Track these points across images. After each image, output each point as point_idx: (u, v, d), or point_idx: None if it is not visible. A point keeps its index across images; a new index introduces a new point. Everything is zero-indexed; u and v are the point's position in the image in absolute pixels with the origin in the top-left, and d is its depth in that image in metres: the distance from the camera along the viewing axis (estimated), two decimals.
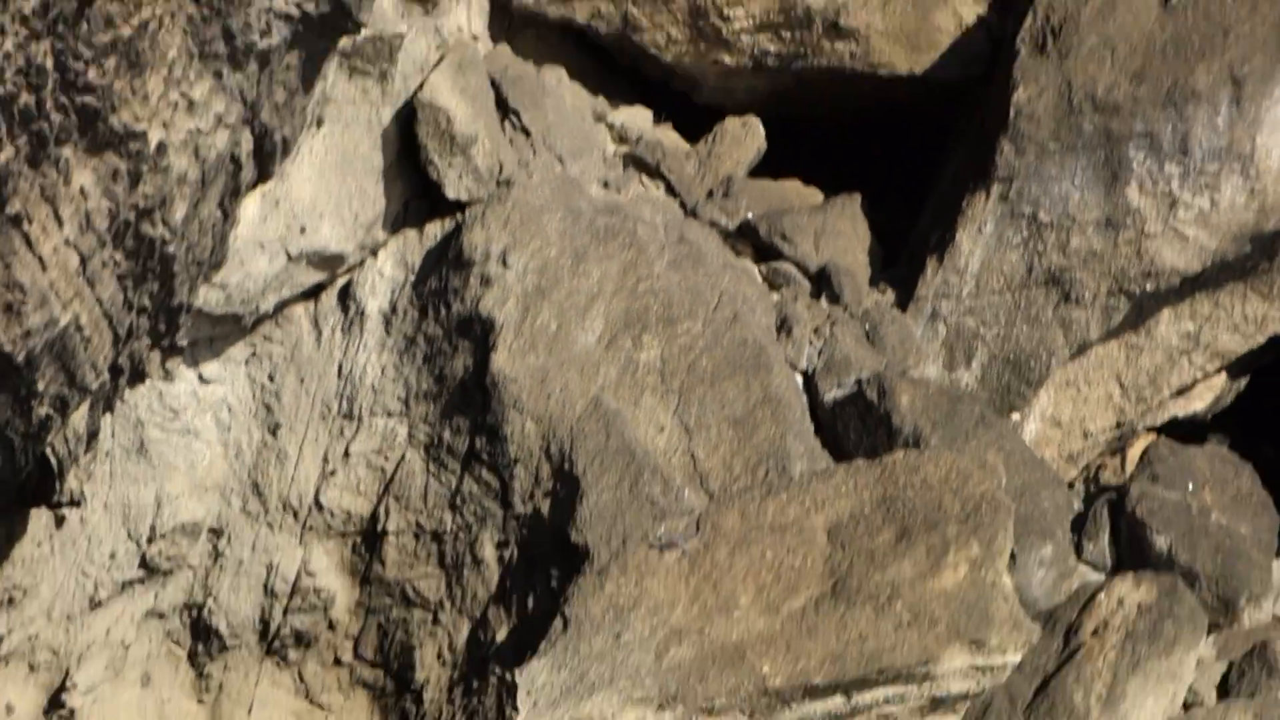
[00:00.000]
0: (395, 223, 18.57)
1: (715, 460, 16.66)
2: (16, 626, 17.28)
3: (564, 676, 13.34)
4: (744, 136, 21.61)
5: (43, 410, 14.59)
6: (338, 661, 18.14)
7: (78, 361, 14.49)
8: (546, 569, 16.75)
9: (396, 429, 18.08)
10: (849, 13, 21.37)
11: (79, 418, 15.67)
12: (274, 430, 18.26)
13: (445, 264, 18.12)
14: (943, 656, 12.75)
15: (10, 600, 17.21)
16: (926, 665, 12.75)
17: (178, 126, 14.34)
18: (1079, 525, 18.88)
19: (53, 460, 15.59)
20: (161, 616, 18.04)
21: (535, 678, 13.49)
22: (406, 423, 18.06)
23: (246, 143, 15.49)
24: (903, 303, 20.06)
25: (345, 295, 18.53)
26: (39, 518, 17.01)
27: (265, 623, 18.08)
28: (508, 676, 13.92)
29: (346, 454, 18.15)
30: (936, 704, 13.07)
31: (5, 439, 14.55)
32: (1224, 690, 17.71)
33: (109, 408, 16.88)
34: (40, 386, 14.27)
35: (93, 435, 16.41)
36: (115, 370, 15.59)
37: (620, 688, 13.09)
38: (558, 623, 13.97)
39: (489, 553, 17.61)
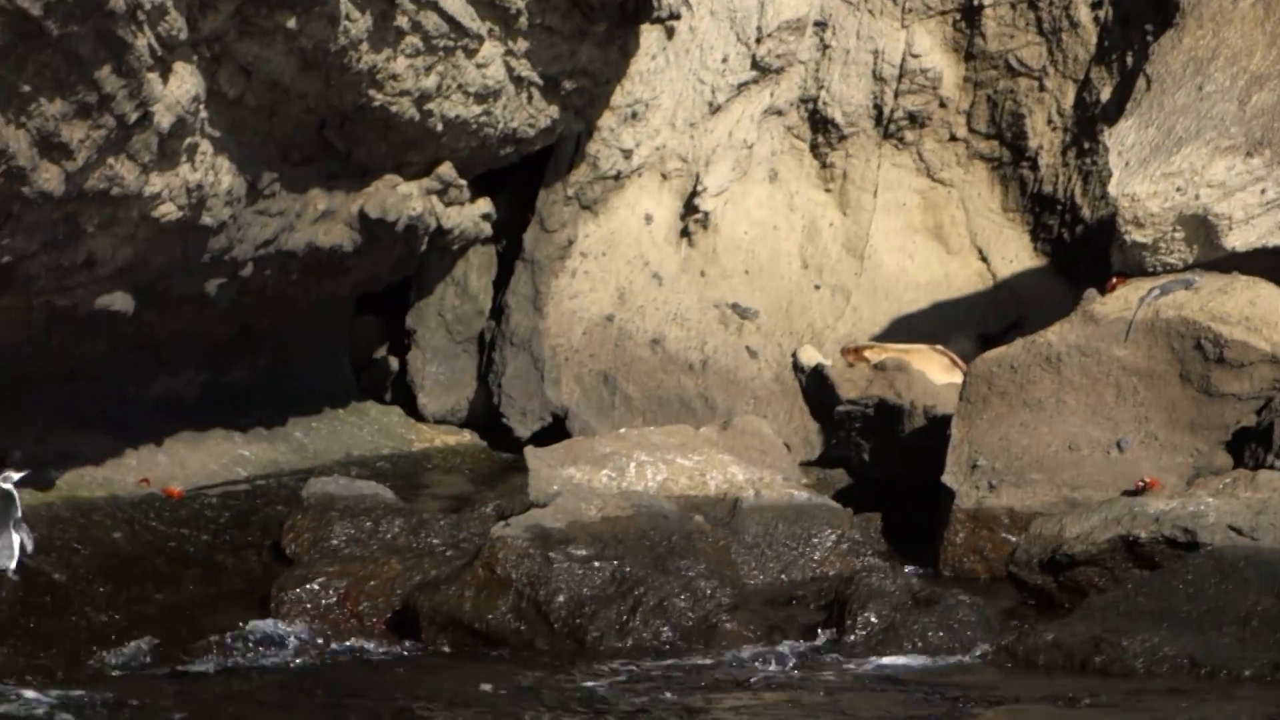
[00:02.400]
0: None
1: None
2: (644, 139, 18.08)
3: (1151, 134, 13.08)
4: None
5: None
6: (953, 137, 18.28)
7: None
8: (1141, 25, 16.34)
9: None
10: None
11: None
12: None
13: None
14: None
15: (634, 115, 17.97)
16: None
17: None
18: None
19: None
20: (779, 113, 18.49)
21: (1124, 138, 13.26)
22: None
23: None
24: None
25: None
26: (649, 33, 17.55)
27: (878, 108, 18.31)
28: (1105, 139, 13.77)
29: None
30: None
31: None
32: None
33: None
34: None
35: None
36: None
37: (1207, 139, 12.75)
38: (1140, 82, 13.62)
39: (1084, 14, 17.33)
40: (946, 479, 12.78)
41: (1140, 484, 12.12)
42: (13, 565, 11.16)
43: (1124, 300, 12.90)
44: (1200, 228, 12.94)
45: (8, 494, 11.30)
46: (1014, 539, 12.10)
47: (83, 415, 14.38)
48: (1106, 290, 13.18)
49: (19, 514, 11.31)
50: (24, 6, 9.07)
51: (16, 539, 11.21)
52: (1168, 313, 12.59)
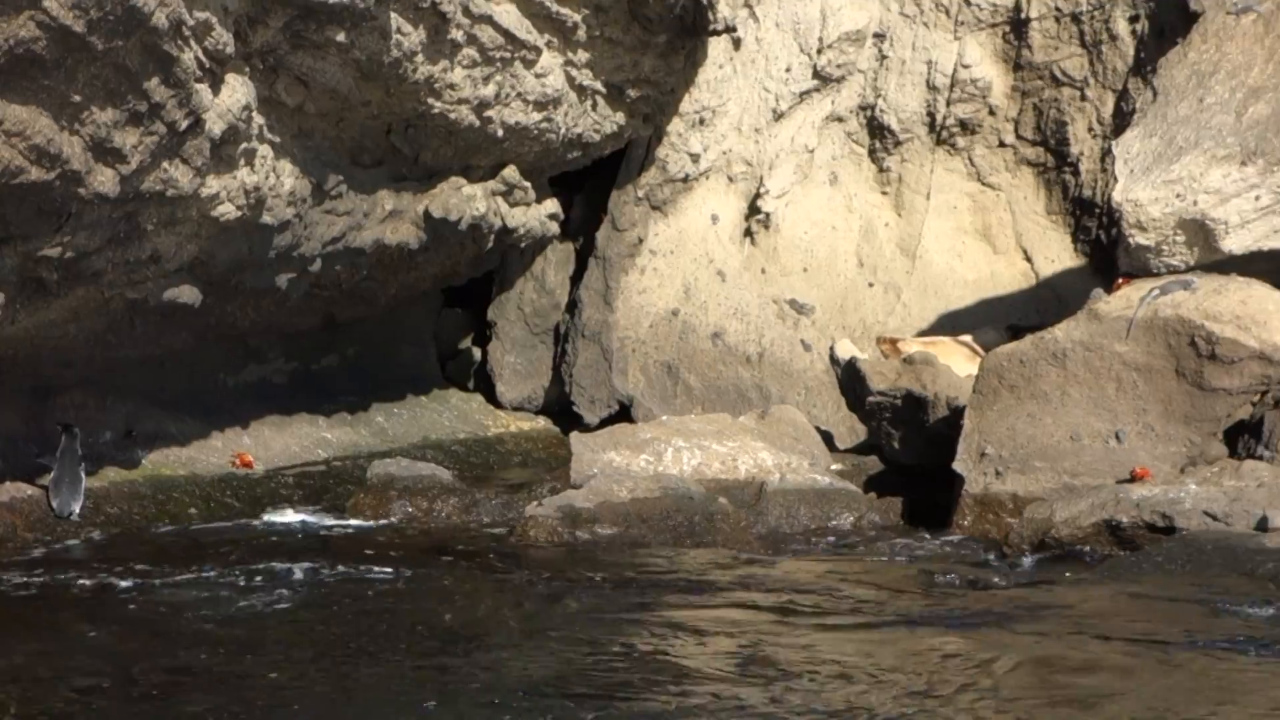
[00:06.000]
0: None
1: None
2: (711, 143, 18.87)
3: (1155, 143, 13.72)
4: None
5: None
6: (1001, 144, 18.98)
7: None
8: (1173, 39, 16.84)
9: None
10: None
11: None
12: None
13: None
14: None
15: (702, 121, 18.77)
16: None
17: None
18: None
19: None
20: (839, 120, 19.26)
21: (1130, 147, 13.94)
22: None
23: None
24: None
25: None
26: (717, 44, 18.37)
27: (932, 115, 19.03)
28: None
29: None
30: None
31: None
32: None
33: None
34: None
35: None
36: None
37: (1205, 148, 13.38)
38: (1147, 94, 14.30)
39: (1123, 28, 18.09)
40: (957, 465, 13.56)
41: (1132, 473, 12.84)
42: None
43: (1126, 299, 13.59)
44: (1199, 231, 13.61)
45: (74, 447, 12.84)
46: (1015, 522, 12.84)
47: (173, 399, 15.39)
48: (1113, 290, 13.87)
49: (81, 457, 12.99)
50: (67, 23, 9.81)
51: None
52: (1165, 312, 13.26)
